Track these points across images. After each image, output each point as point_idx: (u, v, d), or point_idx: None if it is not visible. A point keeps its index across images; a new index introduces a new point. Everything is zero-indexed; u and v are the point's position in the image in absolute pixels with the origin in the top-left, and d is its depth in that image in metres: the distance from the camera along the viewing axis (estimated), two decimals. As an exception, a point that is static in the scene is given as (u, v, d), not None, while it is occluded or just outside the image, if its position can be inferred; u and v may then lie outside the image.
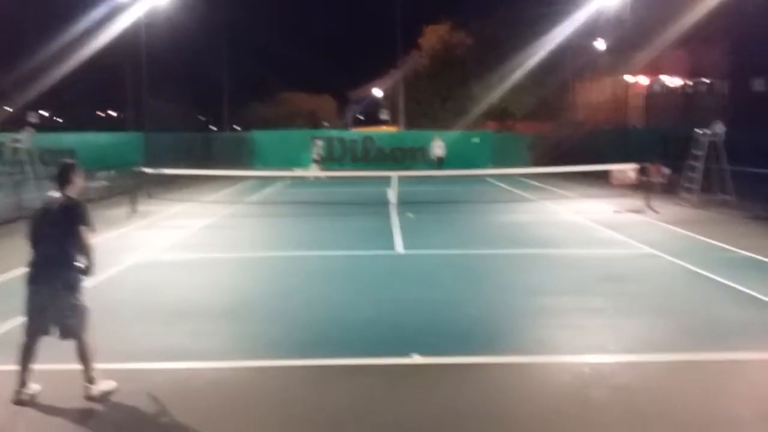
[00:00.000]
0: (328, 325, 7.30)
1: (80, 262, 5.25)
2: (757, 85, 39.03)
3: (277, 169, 28.14)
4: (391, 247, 12.05)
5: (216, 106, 58.54)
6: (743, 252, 11.28)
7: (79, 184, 5.42)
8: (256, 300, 8.40)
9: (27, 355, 5.15)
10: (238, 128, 59.25)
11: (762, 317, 7.61)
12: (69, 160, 5.62)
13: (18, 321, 5.84)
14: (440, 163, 30.14)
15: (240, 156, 33.84)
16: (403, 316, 7.63)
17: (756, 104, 33.09)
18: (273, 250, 12.19)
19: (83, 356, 5.22)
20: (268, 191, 23.77)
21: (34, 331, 5.18)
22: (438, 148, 30.93)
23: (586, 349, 6.49)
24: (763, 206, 15.93)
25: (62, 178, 5.33)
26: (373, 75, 62.13)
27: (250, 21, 74.14)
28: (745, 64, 35.40)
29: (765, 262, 10.51)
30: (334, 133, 39.67)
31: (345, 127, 62.64)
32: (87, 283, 5.41)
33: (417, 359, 6.13)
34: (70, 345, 5.24)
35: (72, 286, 5.21)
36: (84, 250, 5.23)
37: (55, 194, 5.29)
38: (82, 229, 5.21)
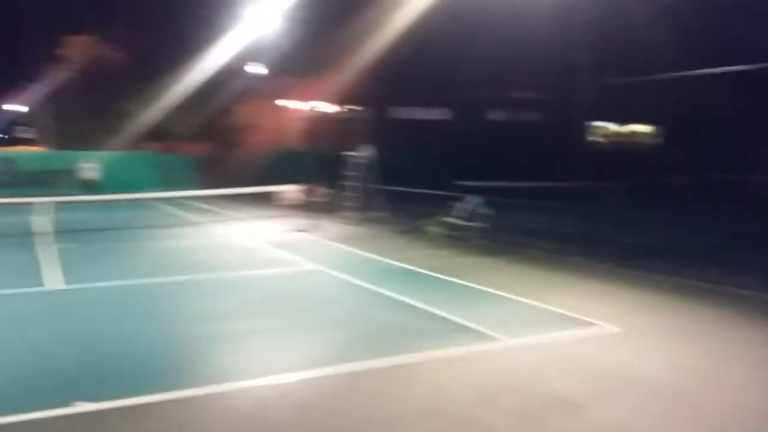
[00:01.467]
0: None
1: None
2: (394, 113, 44.54)
3: None
4: (40, 283, 10.59)
5: None
6: (396, 263, 12.48)
7: None
8: None
9: None
10: None
11: (415, 321, 8.43)
12: None
13: None
14: (92, 187, 27.83)
15: None
16: (62, 359, 6.72)
17: (396, 130, 37.49)
18: None
19: None
20: None
21: None
22: (88, 170, 28.64)
23: (263, 370, 6.43)
24: (408, 220, 17.93)
25: None
26: (6, 90, 54.26)
27: None
28: (386, 95, 40.06)
29: (413, 271, 11.76)
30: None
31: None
32: None
33: (82, 407, 5.42)
34: None
35: None
36: None
37: None
38: None
